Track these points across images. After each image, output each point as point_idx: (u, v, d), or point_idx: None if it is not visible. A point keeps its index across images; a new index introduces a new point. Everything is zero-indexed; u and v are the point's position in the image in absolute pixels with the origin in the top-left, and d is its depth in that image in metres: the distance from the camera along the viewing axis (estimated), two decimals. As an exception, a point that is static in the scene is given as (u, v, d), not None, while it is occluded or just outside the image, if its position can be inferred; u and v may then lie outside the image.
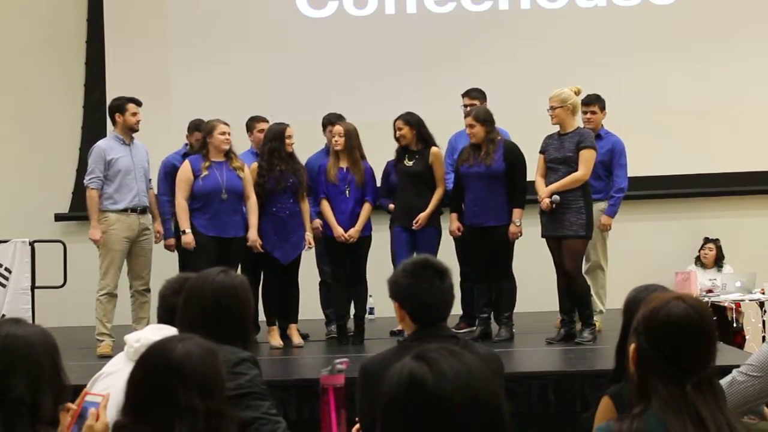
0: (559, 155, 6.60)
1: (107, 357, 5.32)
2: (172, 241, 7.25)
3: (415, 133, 7.05)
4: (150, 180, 7.17)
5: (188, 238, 6.73)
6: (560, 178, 6.56)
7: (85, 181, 7.02)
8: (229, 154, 6.87)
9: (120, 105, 7.05)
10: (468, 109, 7.25)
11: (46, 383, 2.28)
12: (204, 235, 6.76)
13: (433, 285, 3.02)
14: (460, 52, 9.29)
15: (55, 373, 2.32)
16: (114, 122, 7.11)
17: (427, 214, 6.98)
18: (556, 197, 6.51)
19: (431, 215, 7.03)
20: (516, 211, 6.78)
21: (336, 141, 6.97)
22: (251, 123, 7.54)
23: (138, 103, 7.07)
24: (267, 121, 7.35)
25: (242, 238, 6.85)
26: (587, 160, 6.56)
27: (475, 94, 7.51)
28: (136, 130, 7.06)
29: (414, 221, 6.96)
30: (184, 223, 6.75)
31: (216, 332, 2.89)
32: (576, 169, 6.54)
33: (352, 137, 6.96)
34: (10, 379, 2.25)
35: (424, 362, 1.73)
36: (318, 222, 7.13)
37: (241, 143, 7.62)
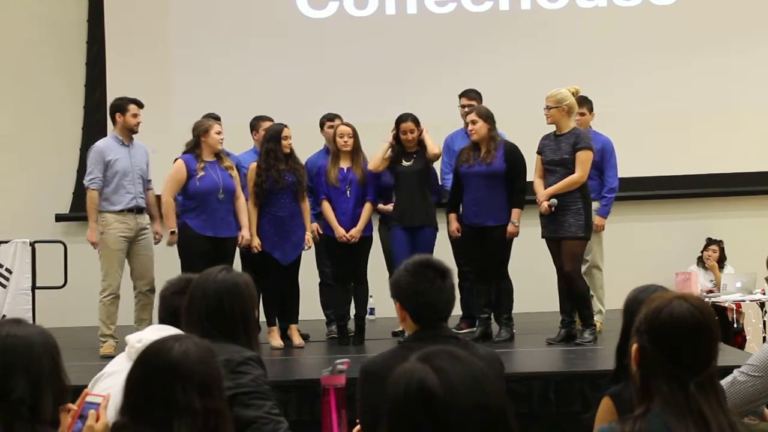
0: (556, 157, 6.59)
1: (110, 357, 5.32)
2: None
3: (417, 135, 7.04)
4: (149, 181, 7.14)
5: (173, 239, 6.75)
6: (558, 180, 6.55)
7: (85, 182, 7.01)
8: (219, 154, 6.89)
9: (121, 105, 7.04)
10: (466, 109, 7.26)
11: (46, 384, 2.28)
12: (200, 234, 6.77)
13: (434, 285, 3.02)
14: (460, 53, 9.29)
15: (56, 373, 2.32)
16: (114, 122, 7.09)
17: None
18: (554, 201, 6.51)
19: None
20: (515, 211, 6.78)
21: (345, 142, 6.96)
22: (256, 122, 7.55)
23: (140, 105, 7.06)
24: (272, 121, 7.36)
25: (236, 237, 6.89)
26: (584, 161, 6.55)
27: (472, 95, 7.52)
28: (135, 132, 7.05)
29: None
30: (172, 223, 6.75)
31: (220, 331, 2.90)
32: (573, 171, 6.53)
33: (357, 137, 6.97)
34: (10, 380, 2.24)
35: (432, 370, 1.73)
36: (315, 225, 7.12)
37: (243, 143, 7.63)
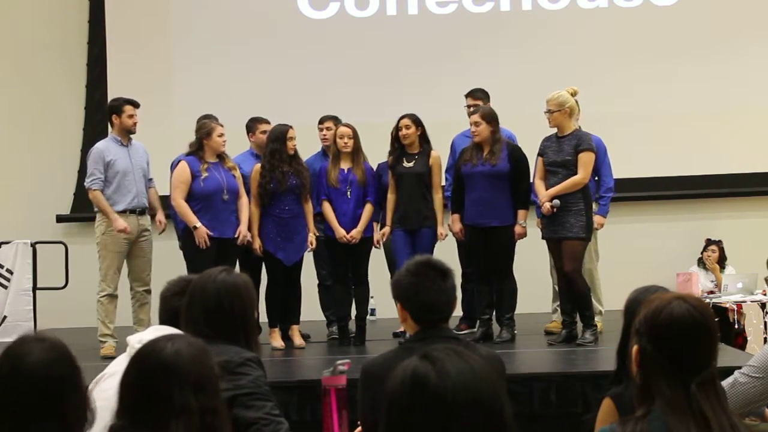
0: (558, 158, 6.59)
1: (110, 358, 5.33)
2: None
3: (419, 134, 7.03)
4: (151, 179, 7.15)
5: (202, 231, 6.67)
6: (560, 182, 6.54)
7: (86, 183, 7.00)
8: (221, 155, 6.88)
9: (117, 106, 7.04)
10: (472, 109, 7.23)
11: (71, 413, 2.18)
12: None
13: (434, 285, 3.02)
14: (461, 54, 9.28)
15: (78, 397, 2.19)
16: (111, 123, 7.10)
17: (441, 223, 6.98)
18: (556, 201, 6.50)
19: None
20: (521, 213, 6.78)
21: (345, 143, 6.95)
22: (252, 124, 7.51)
23: (135, 105, 7.05)
24: (269, 123, 7.34)
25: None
26: (586, 163, 6.55)
27: (479, 95, 7.48)
28: (133, 132, 7.06)
29: (439, 236, 6.93)
30: (193, 219, 6.72)
31: (219, 332, 2.90)
32: (575, 172, 6.53)
33: (358, 138, 6.97)
34: (33, 421, 2.12)
35: (429, 361, 1.73)
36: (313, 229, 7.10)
37: (242, 144, 7.62)
